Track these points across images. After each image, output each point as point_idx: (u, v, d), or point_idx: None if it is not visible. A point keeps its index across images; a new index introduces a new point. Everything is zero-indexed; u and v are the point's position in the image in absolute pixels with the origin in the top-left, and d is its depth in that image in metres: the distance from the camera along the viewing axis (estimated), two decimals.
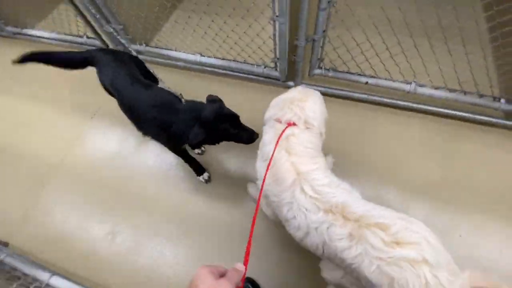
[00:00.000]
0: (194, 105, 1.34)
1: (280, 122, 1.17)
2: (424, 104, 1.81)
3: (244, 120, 1.44)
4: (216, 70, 2.19)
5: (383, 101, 1.89)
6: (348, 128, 1.88)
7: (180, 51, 2.19)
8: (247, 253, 0.62)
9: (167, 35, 2.26)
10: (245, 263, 0.59)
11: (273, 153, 1.07)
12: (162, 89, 1.43)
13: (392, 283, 0.79)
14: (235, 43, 1.93)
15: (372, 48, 1.70)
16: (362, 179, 1.66)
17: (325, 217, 0.93)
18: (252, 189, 1.62)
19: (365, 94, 1.91)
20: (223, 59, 2.10)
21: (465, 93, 1.71)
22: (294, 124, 1.14)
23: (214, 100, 1.36)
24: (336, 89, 1.97)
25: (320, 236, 0.94)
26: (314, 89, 1.92)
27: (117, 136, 2.08)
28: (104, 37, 2.32)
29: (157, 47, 2.26)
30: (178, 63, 2.25)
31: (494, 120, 1.72)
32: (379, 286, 0.82)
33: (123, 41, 2.08)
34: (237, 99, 2.09)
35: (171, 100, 1.35)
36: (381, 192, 1.63)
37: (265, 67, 2.00)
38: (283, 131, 1.12)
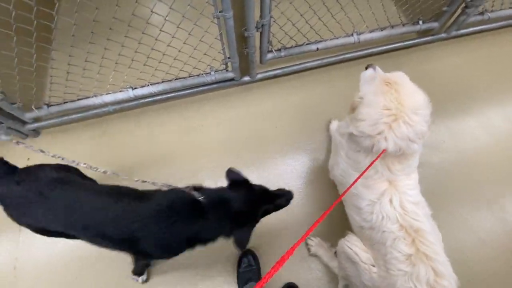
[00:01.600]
0: (219, 200, 0.97)
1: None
2: (369, 49, 1.98)
3: (214, 137, 1.16)
4: (158, 98, 1.82)
5: (336, 60, 1.96)
6: (309, 96, 1.93)
7: (101, 95, 1.69)
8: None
9: (71, 83, 1.67)
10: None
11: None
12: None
13: None
14: (175, 58, 1.59)
15: (316, 14, 1.68)
16: None
17: (399, 231, 0.97)
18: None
19: (319, 60, 1.94)
20: (163, 81, 1.74)
21: (392, 26, 1.93)
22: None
23: (237, 182, 1.03)
24: (291, 66, 1.93)
25: (382, 238, 1.01)
26: (267, 74, 1.89)
27: None
28: None
29: (66, 103, 1.69)
30: (105, 109, 1.76)
31: (418, 40, 2.04)
32: None
33: (13, 113, 1.48)
34: (196, 119, 1.84)
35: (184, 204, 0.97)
36: None
37: (215, 72, 1.76)
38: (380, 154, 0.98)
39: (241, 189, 1.01)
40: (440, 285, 0.91)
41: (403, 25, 1.95)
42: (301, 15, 1.68)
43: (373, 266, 1.07)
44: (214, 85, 1.85)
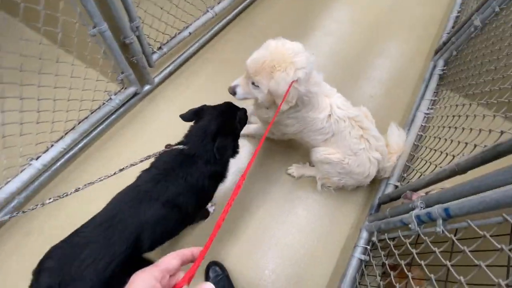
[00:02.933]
0: (197, 131, 1.14)
1: None
2: (225, 17, 2.29)
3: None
4: (72, 152, 1.59)
5: (207, 38, 2.18)
6: (210, 73, 2.12)
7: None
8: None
9: None
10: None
11: None
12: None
13: None
14: (67, 110, 1.42)
15: (173, 4, 1.83)
16: None
17: (349, 124, 1.39)
18: None
19: (196, 43, 2.12)
20: (65, 133, 1.53)
21: None
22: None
23: (197, 112, 1.19)
24: (177, 58, 2.03)
25: (343, 136, 1.39)
26: (163, 74, 1.94)
27: None
28: None
29: None
30: (13, 204, 1.41)
31: None
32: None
33: None
34: (117, 154, 1.70)
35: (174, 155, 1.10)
36: None
37: (116, 94, 1.68)
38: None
39: (205, 113, 1.17)
40: (380, 145, 1.47)
41: None
42: (161, 8, 1.78)
43: (343, 160, 1.44)
44: (121, 109, 1.76)
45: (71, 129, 1.55)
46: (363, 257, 1.38)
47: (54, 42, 1.24)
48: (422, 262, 0.94)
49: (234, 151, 1.23)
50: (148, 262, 1.03)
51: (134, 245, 0.94)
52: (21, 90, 1.22)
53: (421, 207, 1.08)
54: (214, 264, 1.43)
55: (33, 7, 1.12)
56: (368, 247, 1.39)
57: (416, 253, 0.99)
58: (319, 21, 2.53)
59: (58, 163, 1.55)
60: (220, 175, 1.19)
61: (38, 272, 0.86)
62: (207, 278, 1.40)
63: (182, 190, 1.05)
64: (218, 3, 2.19)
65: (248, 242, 1.55)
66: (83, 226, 0.95)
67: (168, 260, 0.43)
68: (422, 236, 1.00)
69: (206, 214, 1.56)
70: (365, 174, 1.49)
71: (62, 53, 1.31)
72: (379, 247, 1.27)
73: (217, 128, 1.12)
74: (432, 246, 0.93)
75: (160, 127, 1.83)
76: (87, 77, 1.47)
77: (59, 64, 1.31)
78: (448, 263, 0.84)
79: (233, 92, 1.30)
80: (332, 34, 2.44)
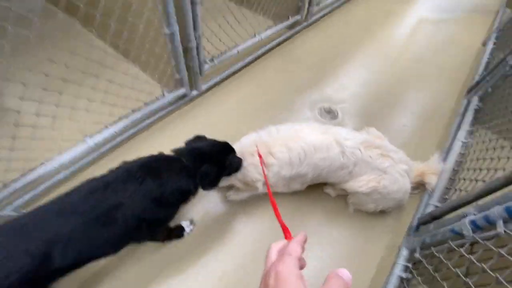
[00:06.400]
0: (192, 147, 1.23)
1: None
2: (270, 43, 2.53)
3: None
4: (119, 139, 1.69)
5: (253, 57, 2.40)
6: (251, 89, 2.28)
7: (52, 158, 1.43)
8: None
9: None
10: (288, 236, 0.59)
11: None
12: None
13: None
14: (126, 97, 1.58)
15: (230, 26, 2.07)
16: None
17: (364, 149, 1.38)
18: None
19: (240, 62, 2.33)
20: (120, 119, 1.65)
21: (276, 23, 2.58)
22: None
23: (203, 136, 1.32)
24: (223, 72, 2.22)
25: (365, 161, 1.38)
26: (209, 84, 2.12)
27: None
28: None
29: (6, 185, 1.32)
30: (61, 174, 1.48)
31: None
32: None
33: None
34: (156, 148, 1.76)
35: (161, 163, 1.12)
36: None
37: (169, 92, 1.83)
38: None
39: (205, 140, 1.29)
40: (402, 157, 1.45)
41: (288, 17, 2.62)
42: (219, 26, 2.02)
43: (378, 185, 1.39)
44: (169, 108, 1.89)
45: (125, 116, 1.67)
46: (404, 274, 1.28)
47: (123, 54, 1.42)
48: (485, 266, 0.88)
49: (212, 183, 1.22)
50: None
51: (42, 259, 0.83)
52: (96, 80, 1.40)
53: (474, 214, 1.04)
54: None
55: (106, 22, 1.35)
56: (410, 264, 1.30)
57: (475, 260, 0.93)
58: (352, 55, 2.73)
59: (106, 146, 1.64)
60: (187, 193, 1.16)
61: None
62: None
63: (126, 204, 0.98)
64: (265, 30, 2.45)
65: None
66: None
67: (296, 249, 0.47)
68: (481, 241, 0.95)
69: (179, 233, 1.44)
70: (402, 189, 1.46)
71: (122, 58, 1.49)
72: (424, 262, 1.19)
73: (210, 155, 1.19)
74: (493, 247, 0.88)
75: (199, 130, 1.91)
76: (143, 77, 1.64)
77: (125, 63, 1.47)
78: None
79: None
80: (366, 67, 2.61)
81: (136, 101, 1.70)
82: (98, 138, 1.56)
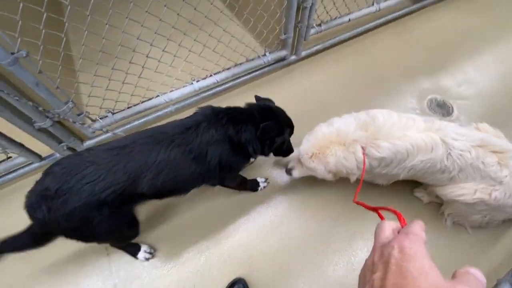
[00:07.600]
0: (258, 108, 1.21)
1: None
2: (387, 15, 2.23)
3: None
4: (217, 89, 1.81)
5: (364, 29, 2.16)
6: (352, 64, 2.08)
7: (166, 93, 1.64)
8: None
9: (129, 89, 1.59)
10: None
11: None
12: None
13: None
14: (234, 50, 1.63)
15: None
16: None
17: (476, 152, 1.14)
18: None
19: (349, 32, 2.13)
20: (223, 70, 1.75)
21: None
22: None
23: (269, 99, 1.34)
24: (328, 39, 2.08)
25: (473, 167, 1.15)
26: (310, 51, 2.01)
27: None
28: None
29: (129, 107, 1.59)
30: (167, 110, 1.70)
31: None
32: None
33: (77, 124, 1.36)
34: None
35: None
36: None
37: (270, 53, 1.83)
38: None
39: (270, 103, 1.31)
40: None
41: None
42: None
43: (485, 198, 1.17)
44: (267, 68, 1.91)
45: (228, 68, 1.76)
46: None
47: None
48: None
49: (271, 143, 1.20)
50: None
51: (132, 181, 0.93)
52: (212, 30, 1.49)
53: None
54: (239, 281, 1.31)
55: None
56: None
57: None
58: (489, 44, 2.20)
59: (206, 93, 1.79)
60: (246, 152, 1.15)
61: (46, 173, 0.91)
62: None
63: (211, 142, 1.04)
64: (385, 1, 2.15)
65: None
66: (96, 146, 0.98)
67: (420, 232, 0.45)
68: None
69: (254, 186, 1.50)
70: None
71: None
72: None
73: (277, 118, 1.19)
74: None
75: (289, 97, 1.90)
76: (249, 38, 1.65)
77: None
78: None
79: (289, 173, 1.39)
80: (505, 62, 2.08)
81: (240, 56, 1.76)
82: (202, 83, 1.70)
